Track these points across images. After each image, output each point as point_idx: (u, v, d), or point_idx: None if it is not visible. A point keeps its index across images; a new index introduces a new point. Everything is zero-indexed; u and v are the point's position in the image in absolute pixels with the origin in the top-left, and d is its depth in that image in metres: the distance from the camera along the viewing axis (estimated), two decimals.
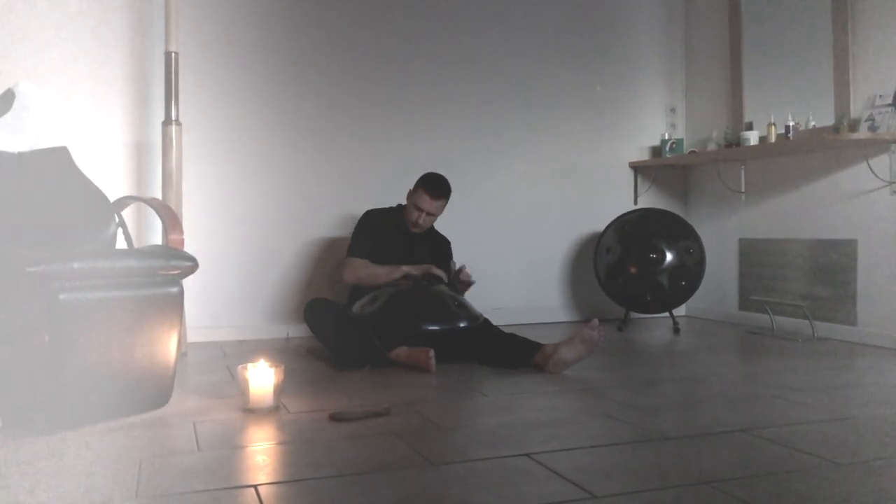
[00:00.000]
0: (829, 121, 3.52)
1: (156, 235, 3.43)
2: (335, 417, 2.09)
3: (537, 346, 2.80)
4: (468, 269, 3.24)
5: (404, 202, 3.36)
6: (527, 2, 4.21)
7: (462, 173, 4.07)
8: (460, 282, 3.21)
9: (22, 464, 1.70)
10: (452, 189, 4.07)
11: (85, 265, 1.98)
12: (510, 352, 2.86)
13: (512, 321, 3.99)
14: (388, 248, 3.25)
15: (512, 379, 2.65)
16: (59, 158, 2.67)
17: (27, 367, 1.96)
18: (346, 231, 3.67)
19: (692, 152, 4.23)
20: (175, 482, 1.57)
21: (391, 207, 3.43)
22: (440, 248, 3.45)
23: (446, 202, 3.28)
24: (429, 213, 3.24)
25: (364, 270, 3.19)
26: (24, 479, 1.59)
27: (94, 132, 3.39)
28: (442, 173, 4.03)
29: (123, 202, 2.85)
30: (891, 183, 3.29)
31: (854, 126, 3.38)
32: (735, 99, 4.13)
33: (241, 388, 2.21)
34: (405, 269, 3.12)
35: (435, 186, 3.23)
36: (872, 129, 3.28)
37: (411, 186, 3.31)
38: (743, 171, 4.10)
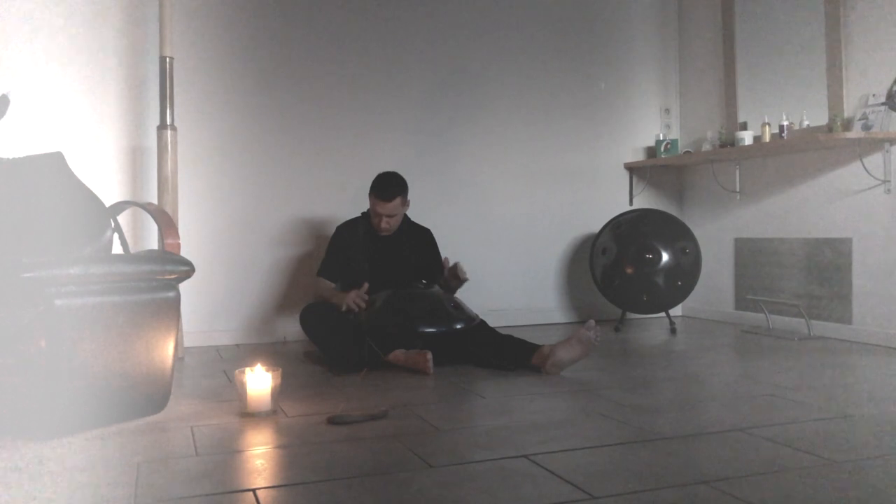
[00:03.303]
0: (822, 120, 3.53)
1: (152, 240, 3.43)
2: (333, 421, 2.09)
3: (534, 348, 2.80)
4: (462, 266, 3.19)
5: (367, 208, 3.35)
6: (521, 4, 4.22)
7: (458, 175, 4.08)
8: (455, 278, 3.19)
9: (19, 470, 1.69)
10: (449, 191, 4.09)
11: (81, 270, 1.98)
12: (507, 353, 2.86)
13: (508, 322, 3.99)
14: (369, 258, 3.24)
15: (509, 380, 2.66)
16: (54, 164, 2.66)
17: (24, 372, 1.96)
18: None
19: (687, 153, 4.24)
20: (173, 487, 1.57)
21: (363, 214, 3.37)
22: (422, 241, 3.42)
23: (403, 199, 3.21)
24: (389, 216, 3.20)
25: (320, 293, 3.28)
26: (22, 486, 1.59)
27: (89, 137, 3.39)
28: (438, 176, 4.04)
29: (119, 207, 2.84)
30: (885, 181, 3.31)
31: (848, 125, 3.39)
32: (729, 99, 4.15)
33: (239, 392, 2.21)
34: (348, 302, 3.04)
35: (383, 189, 3.17)
36: (866, 127, 3.30)
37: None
38: (738, 171, 4.11)
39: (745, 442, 1.85)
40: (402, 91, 3.97)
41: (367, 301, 3.03)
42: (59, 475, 1.66)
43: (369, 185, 3.30)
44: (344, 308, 3.03)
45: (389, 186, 3.18)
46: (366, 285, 3.07)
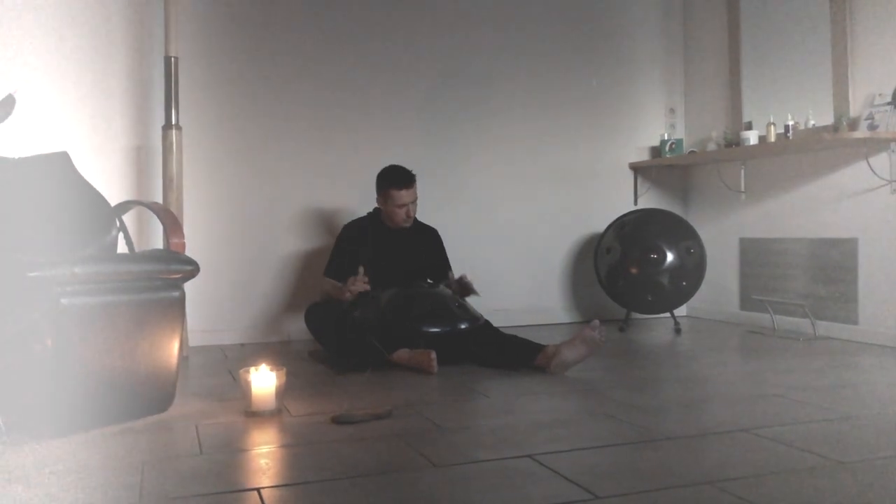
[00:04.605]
0: (828, 120, 3.52)
1: (157, 239, 3.43)
2: (337, 420, 2.09)
3: (538, 348, 2.80)
4: (469, 279, 3.20)
5: (373, 207, 3.36)
6: (525, 4, 4.21)
7: (462, 176, 4.08)
8: (464, 291, 3.18)
9: (24, 469, 1.70)
10: (453, 190, 4.09)
11: (86, 270, 1.98)
12: (511, 353, 2.86)
13: (513, 322, 3.98)
14: (378, 255, 3.24)
15: (513, 380, 2.65)
16: (59, 163, 2.67)
17: (29, 371, 1.96)
18: None
19: (692, 152, 4.23)
20: (178, 486, 1.57)
21: (368, 213, 3.40)
22: (430, 239, 3.44)
23: (416, 183, 3.27)
24: (412, 202, 3.24)
25: (326, 293, 3.24)
26: (27, 485, 1.59)
27: (94, 137, 3.39)
28: (442, 176, 4.05)
29: (124, 206, 2.85)
30: (891, 181, 3.29)
31: (854, 125, 3.38)
32: (734, 99, 4.14)
33: (243, 392, 2.21)
34: (349, 288, 3.04)
35: (401, 179, 3.21)
36: (872, 127, 3.29)
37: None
38: (743, 171, 4.10)
39: (751, 442, 1.85)
40: (407, 91, 3.97)
41: (365, 280, 3.03)
42: (64, 474, 1.66)
43: (375, 184, 3.30)
44: (347, 295, 3.02)
45: (405, 173, 3.23)
46: (361, 269, 3.06)
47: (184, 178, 3.37)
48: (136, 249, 2.90)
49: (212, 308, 3.58)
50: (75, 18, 3.36)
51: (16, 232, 2.43)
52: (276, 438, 1.96)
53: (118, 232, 2.70)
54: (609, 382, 2.60)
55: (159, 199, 3.34)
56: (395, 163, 3.36)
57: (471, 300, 3.21)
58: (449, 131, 4.06)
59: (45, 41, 3.31)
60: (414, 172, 3.26)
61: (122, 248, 2.75)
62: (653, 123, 4.51)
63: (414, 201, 3.25)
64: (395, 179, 3.21)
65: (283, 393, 2.25)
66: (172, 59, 3.24)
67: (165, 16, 3.24)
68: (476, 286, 3.20)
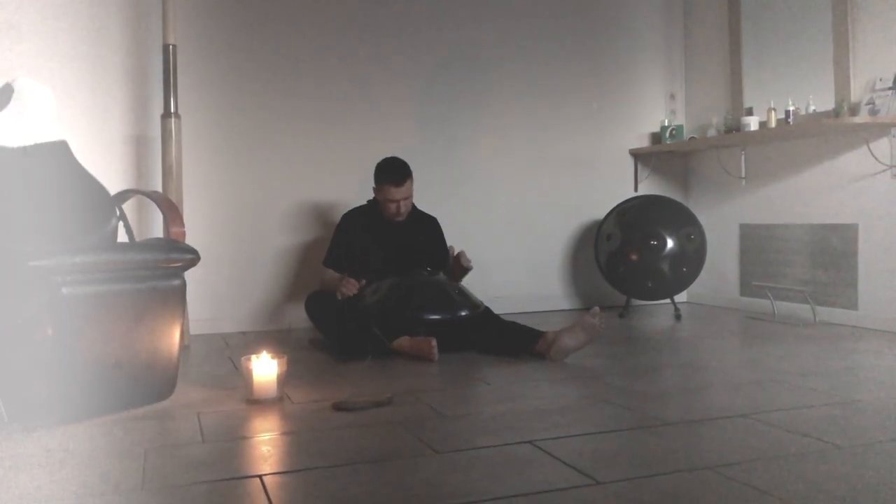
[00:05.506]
0: (829, 105, 3.51)
1: (157, 228, 3.43)
2: (338, 407, 2.10)
3: (538, 334, 2.81)
4: (466, 254, 3.22)
5: (373, 196, 3.35)
6: None
7: (462, 163, 4.07)
8: (459, 267, 3.20)
9: (27, 457, 1.70)
10: (453, 178, 4.08)
11: (87, 259, 1.98)
12: (511, 340, 2.86)
13: (513, 309, 3.99)
14: (377, 246, 3.23)
15: (514, 367, 2.66)
16: (59, 153, 2.66)
17: (31, 360, 1.97)
18: None
19: (692, 138, 4.22)
20: (180, 473, 1.58)
21: (368, 202, 3.38)
22: (429, 229, 3.43)
23: (412, 179, 3.23)
24: (404, 199, 3.21)
25: (326, 282, 3.23)
26: (29, 473, 1.60)
27: (93, 126, 3.38)
28: (442, 165, 4.04)
29: (124, 195, 2.84)
30: (891, 167, 3.29)
31: (854, 110, 3.37)
32: (735, 84, 4.12)
33: (245, 380, 2.22)
34: (340, 289, 3.03)
35: (394, 174, 3.19)
36: (873, 112, 3.28)
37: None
38: (743, 157, 4.09)
39: (751, 428, 1.86)
40: (407, 78, 3.96)
41: (358, 288, 3.02)
42: (66, 462, 1.67)
43: (373, 172, 3.30)
44: (339, 296, 3.03)
45: (399, 170, 3.20)
46: (363, 281, 3.07)
47: (183, 166, 3.36)
48: (136, 238, 2.90)
49: (212, 296, 3.59)
50: (73, 7, 3.34)
51: (16, 222, 2.43)
52: (277, 426, 1.96)
53: (118, 221, 2.70)
54: (609, 369, 2.61)
55: (159, 188, 3.34)
56: (396, 153, 3.35)
57: (471, 287, 3.22)
58: (449, 120, 4.05)
59: (43, 29, 3.29)
60: (410, 167, 3.23)
61: (122, 237, 2.75)
62: (653, 109, 4.49)
63: (406, 198, 3.22)
64: (388, 176, 3.19)
65: (284, 380, 2.25)
66: (171, 46, 3.23)
67: (163, 3, 3.22)
68: (470, 261, 3.20)
